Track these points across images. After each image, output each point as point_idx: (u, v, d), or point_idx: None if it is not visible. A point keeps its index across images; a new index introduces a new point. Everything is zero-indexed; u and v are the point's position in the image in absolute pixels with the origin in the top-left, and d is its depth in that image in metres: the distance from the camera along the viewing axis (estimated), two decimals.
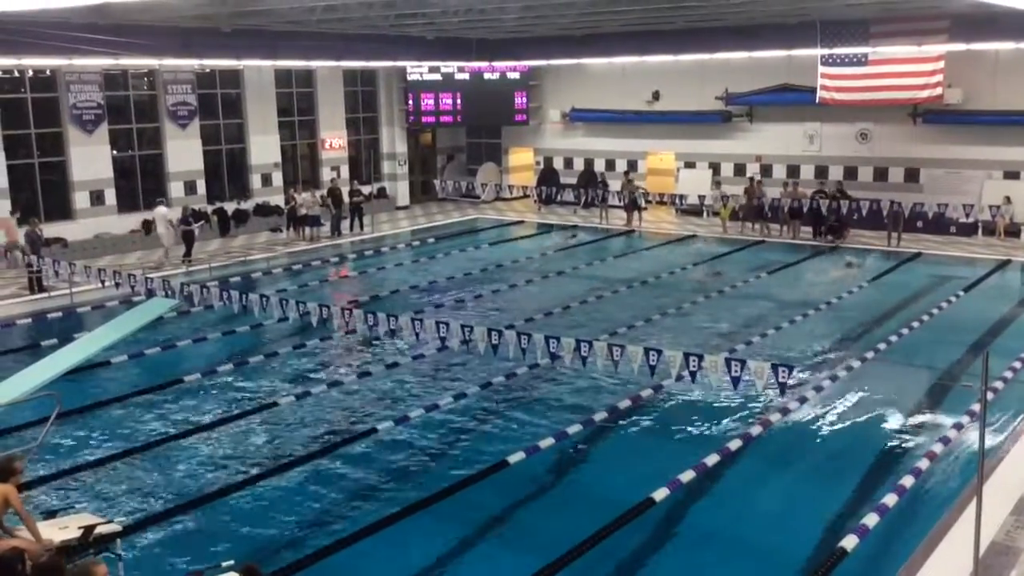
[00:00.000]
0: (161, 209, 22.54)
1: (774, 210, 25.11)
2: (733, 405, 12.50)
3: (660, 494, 9.67)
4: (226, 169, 26.82)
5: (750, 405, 12.48)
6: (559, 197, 29.02)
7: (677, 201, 27.31)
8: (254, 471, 10.70)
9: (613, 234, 26.19)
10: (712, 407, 12.54)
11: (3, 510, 7.80)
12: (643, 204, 26.98)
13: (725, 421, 12.06)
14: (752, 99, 27.12)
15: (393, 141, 31.24)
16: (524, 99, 30.96)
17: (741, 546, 9.06)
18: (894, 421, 12.08)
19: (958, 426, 11.45)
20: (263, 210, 27.12)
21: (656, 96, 29.04)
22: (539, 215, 29.54)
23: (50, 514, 8.74)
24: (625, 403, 12.61)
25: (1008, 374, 13.22)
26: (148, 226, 24.38)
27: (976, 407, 10.24)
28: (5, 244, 20.14)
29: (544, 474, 10.71)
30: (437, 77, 30.11)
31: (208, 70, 25.62)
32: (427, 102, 30.32)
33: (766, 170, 27.50)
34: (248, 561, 7.05)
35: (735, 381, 10.41)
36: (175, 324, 16.91)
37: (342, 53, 26.17)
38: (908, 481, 9.92)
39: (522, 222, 28.44)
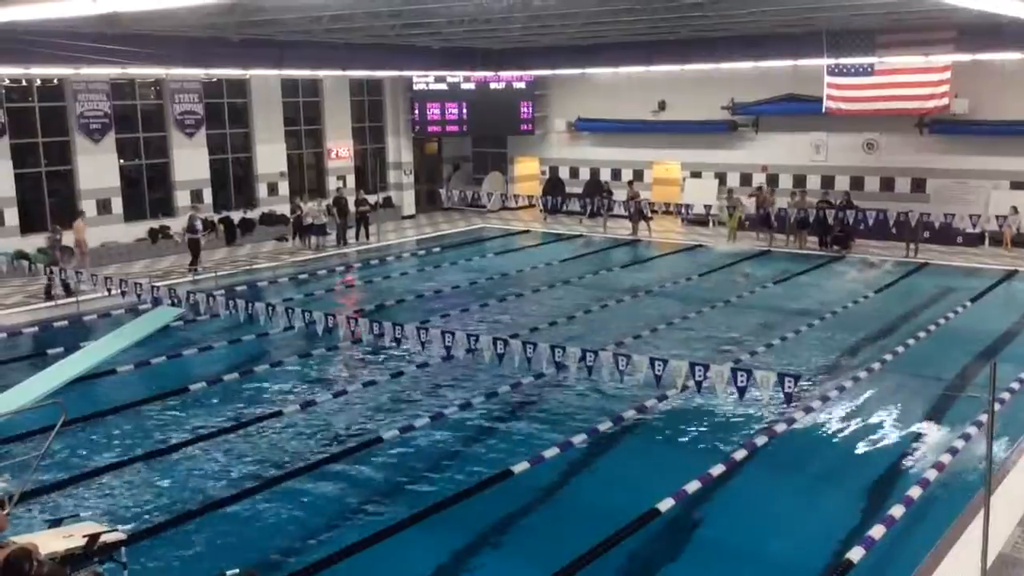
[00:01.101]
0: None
1: (781, 220, 25.08)
2: (739, 415, 12.47)
3: (665, 504, 9.63)
4: (232, 178, 26.91)
5: (756, 415, 12.44)
6: (565, 207, 29.06)
7: (683, 211, 27.31)
8: (259, 480, 10.70)
9: (619, 244, 26.18)
10: (718, 417, 12.50)
11: None
12: (648, 214, 26.95)
13: (731, 431, 12.02)
14: (758, 109, 27.14)
15: (399, 150, 31.30)
16: (530, 109, 31.01)
17: (746, 557, 9.02)
18: (901, 432, 12.03)
19: (965, 437, 11.40)
20: (269, 219, 27.19)
21: (662, 106, 29.07)
22: (545, 225, 29.53)
23: (55, 522, 8.73)
24: (630, 413, 12.58)
25: (1015, 385, 13.17)
26: (155, 235, 24.46)
27: (983, 418, 10.20)
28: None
29: (548, 484, 10.67)
30: (443, 87, 30.18)
31: (215, 79, 25.72)
32: (433, 111, 30.39)
33: (772, 180, 27.50)
34: (252, 569, 7.04)
35: (741, 391, 10.38)
36: (181, 333, 16.93)
37: (348, 62, 26.21)
38: (915, 492, 9.87)
39: (528, 232, 28.44)
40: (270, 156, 27.41)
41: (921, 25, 22.49)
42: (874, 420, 12.37)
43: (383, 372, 14.73)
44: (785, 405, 11.35)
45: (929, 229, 23.56)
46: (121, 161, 24.14)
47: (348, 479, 10.83)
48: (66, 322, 17.72)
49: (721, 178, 28.35)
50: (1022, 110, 23.36)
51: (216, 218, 25.76)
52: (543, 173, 32.55)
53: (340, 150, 29.43)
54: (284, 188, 27.84)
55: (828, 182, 26.56)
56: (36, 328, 17.42)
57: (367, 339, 13.37)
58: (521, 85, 30.74)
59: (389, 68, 28.19)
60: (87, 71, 21.58)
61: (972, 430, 11.52)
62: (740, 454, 11.06)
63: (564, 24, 21.81)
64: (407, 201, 31.65)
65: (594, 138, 30.96)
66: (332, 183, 28.82)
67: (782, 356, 15.19)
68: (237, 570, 7.01)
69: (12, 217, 21.99)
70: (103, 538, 7.87)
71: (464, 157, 34.47)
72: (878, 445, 11.65)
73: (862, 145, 26.07)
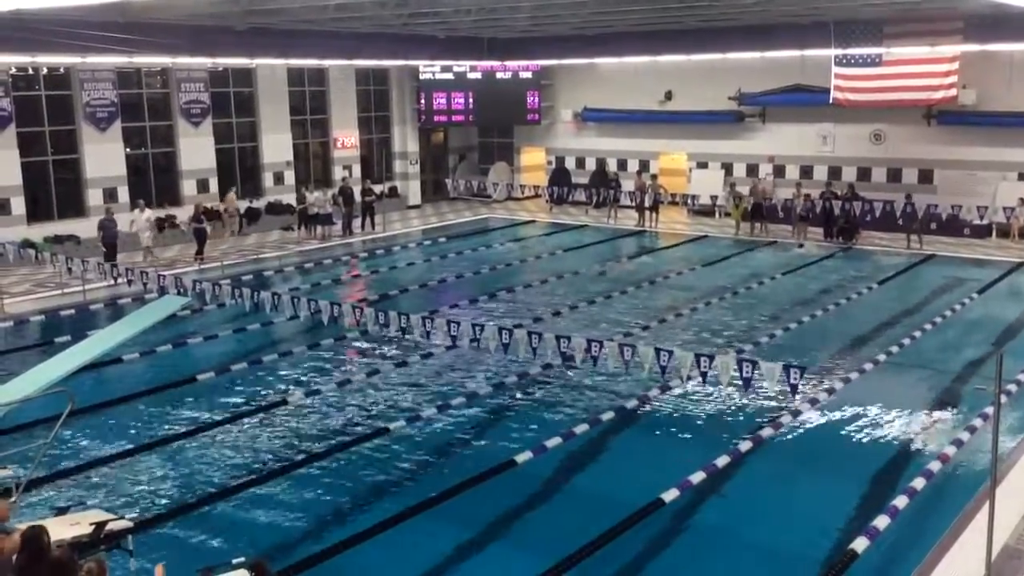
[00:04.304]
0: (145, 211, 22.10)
1: (786, 211, 25.03)
2: (744, 406, 12.46)
3: (670, 495, 9.64)
4: (238, 167, 26.90)
5: (761, 406, 12.43)
6: (571, 197, 29.03)
7: (689, 201, 27.29)
8: (265, 469, 10.73)
9: (625, 234, 26.15)
10: (722, 408, 12.50)
11: None
12: (664, 202, 26.92)
13: (735, 422, 12.02)
14: (765, 99, 27.03)
15: (405, 140, 31.27)
16: (536, 98, 30.94)
17: (751, 547, 9.03)
18: (906, 423, 12.03)
19: (971, 429, 11.38)
20: (275, 208, 27.19)
21: (669, 96, 28.98)
22: (551, 215, 29.52)
23: (62, 510, 8.77)
24: (634, 403, 12.59)
25: (1022, 376, 13.12)
26: (161, 224, 24.48)
27: (989, 410, 10.18)
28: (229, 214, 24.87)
29: (552, 474, 10.68)
30: (449, 76, 30.13)
31: (221, 68, 25.71)
32: (439, 101, 30.34)
33: (779, 171, 27.44)
34: (258, 558, 7.07)
35: (746, 382, 10.38)
36: (187, 322, 16.97)
37: (354, 52, 26.22)
38: (920, 484, 9.87)
39: (533, 222, 28.43)
40: (276, 145, 27.41)
41: (929, 16, 22.42)
42: (879, 411, 12.36)
43: (388, 362, 14.74)
44: (790, 396, 11.34)
45: (936, 220, 23.50)
46: (127, 150, 24.16)
47: (354, 468, 10.85)
48: (73, 311, 17.76)
49: (728, 169, 28.29)
50: None
51: (222, 207, 25.77)
52: (549, 163, 32.50)
53: (346, 139, 29.41)
54: (290, 177, 27.85)
55: (835, 173, 26.48)
56: (43, 316, 17.47)
57: (373, 329, 13.37)
58: (527, 75, 30.68)
59: (395, 58, 28.18)
60: (93, 60, 21.61)
61: (978, 422, 11.50)
62: (745, 445, 11.06)
63: (571, 13, 21.77)
64: (413, 191, 31.63)
65: (601, 128, 30.88)
66: (338, 172, 28.82)
67: (787, 347, 15.15)
68: (243, 558, 7.03)
69: (19, 206, 22.03)
70: (110, 526, 7.92)
71: (470, 147, 34.44)
72: (883, 436, 11.64)
73: (869, 136, 25.97)
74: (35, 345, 15.71)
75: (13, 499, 8.19)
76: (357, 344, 15.88)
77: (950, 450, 10.78)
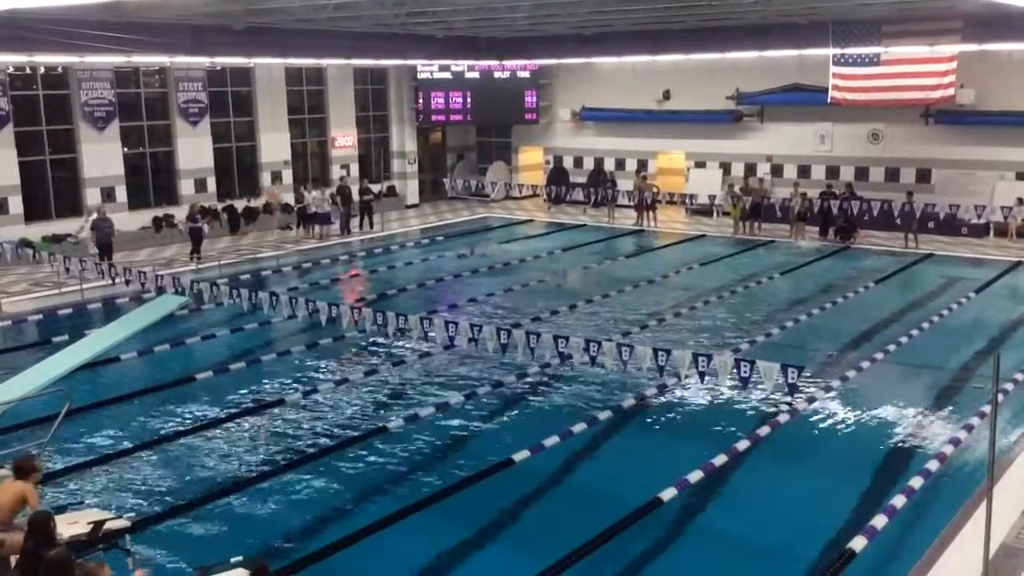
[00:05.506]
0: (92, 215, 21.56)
1: (784, 211, 25.05)
2: (742, 405, 12.47)
3: (668, 494, 9.65)
4: (236, 167, 26.89)
5: (759, 405, 12.44)
6: (569, 196, 29.03)
7: (687, 201, 27.31)
8: (263, 468, 10.73)
9: (623, 233, 26.16)
10: (720, 407, 12.50)
11: (19, 508, 7.84)
12: (662, 201, 26.95)
13: (733, 421, 12.02)
14: (763, 99, 27.05)
15: (403, 139, 31.26)
16: (534, 98, 30.95)
17: (749, 546, 9.04)
18: (904, 422, 12.03)
19: (968, 427, 11.40)
20: (273, 208, 27.17)
21: (667, 95, 28.98)
22: (549, 214, 29.53)
23: (60, 510, 8.76)
24: (631, 403, 12.59)
25: (1019, 376, 13.13)
26: (159, 223, 24.48)
27: (987, 408, 10.19)
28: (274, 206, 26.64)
29: (550, 473, 10.68)
30: (447, 76, 30.13)
31: (219, 68, 25.70)
32: (437, 101, 30.35)
33: (777, 170, 27.46)
34: (256, 557, 7.07)
35: (744, 381, 10.38)
36: (185, 321, 16.96)
37: (352, 51, 26.23)
38: (918, 482, 9.88)
39: (532, 221, 28.43)
40: (274, 145, 27.40)
41: (927, 15, 22.43)
42: (877, 410, 12.37)
43: (386, 361, 14.74)
44: (788, 395, 11.34)
45: (934, 220, 23.51)
46: (125, 149, 24.15)
47: (352, 468, 10.85)
48: (71, 310, 17.74)
49: (726, 168, 28.30)
50: None
51: (220, 207, 25.77)
52: (547, 162, 32.50)
53: (344, 139, 29.41)
54: (288, 177, 27.85)
55: (833, 172, 26.51)
56: (41, 316, 17.45)
57: (370, 329, 13.38)
58: (525, 74, 30.68)
59: (393, 57, 28.19)
60: (91, 59, 21.59)
61: (975, 420, 11.51)
62: (743, 444, 11.06)
63: (569, 13, 21.79)
64: (411, 190, 31.63)
65: (599, 127, 30.88)
66: (336, 172, 28.81)
67: (785, 346, 15.17)
68: (241, 558, 7.03)
69: (16, 205, 22.01)
70: (108, 525, 7.92)
71: (468, 146, 34.44)
72: (880, 435, 11.64)
73: (867, 135, 25.99)
74: (33, 344, 15.69)
75: None
76: (355, 344, 15.86)
77: (948, 449, 10.79)
